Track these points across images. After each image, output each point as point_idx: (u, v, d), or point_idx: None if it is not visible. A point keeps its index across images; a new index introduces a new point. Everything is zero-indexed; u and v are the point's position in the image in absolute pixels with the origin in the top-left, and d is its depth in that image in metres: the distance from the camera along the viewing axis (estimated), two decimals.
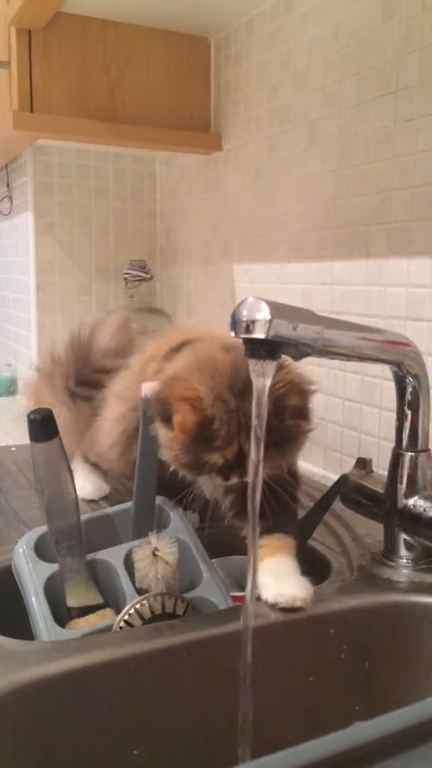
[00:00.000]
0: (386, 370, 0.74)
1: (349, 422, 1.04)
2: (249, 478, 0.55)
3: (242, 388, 0.62)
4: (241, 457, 0.64)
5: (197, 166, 1.46)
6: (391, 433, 0.75)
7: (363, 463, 0.82)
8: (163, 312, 1.56)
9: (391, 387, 0.74)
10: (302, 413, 0.65)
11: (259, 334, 0.50)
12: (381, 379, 0.97)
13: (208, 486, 0.72)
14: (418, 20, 0.87)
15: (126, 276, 1.53)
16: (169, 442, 0.67)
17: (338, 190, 1.04)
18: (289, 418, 0.63)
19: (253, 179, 1.26)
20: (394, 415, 0.74)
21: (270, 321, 0.50)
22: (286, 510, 0.74)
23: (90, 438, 0.90)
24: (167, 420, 0.65)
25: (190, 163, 1.49)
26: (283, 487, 0.73)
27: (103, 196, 1.61)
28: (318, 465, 1.09)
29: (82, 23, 1.24)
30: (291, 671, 0.65)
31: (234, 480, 0.66)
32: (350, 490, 0.81)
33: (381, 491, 0.76)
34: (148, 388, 0.75)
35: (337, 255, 1.05)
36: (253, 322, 0.51)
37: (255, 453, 0.53)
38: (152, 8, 1.23)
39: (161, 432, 0.68)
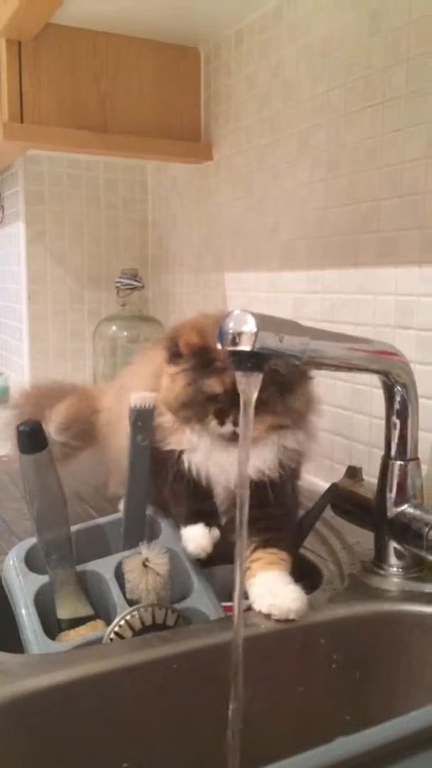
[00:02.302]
0: (376, 378, 0.74)
1: (339, 430, 1.04)
2: (237, 490, 0.55)
3: None
4: (238, 396, 0.63)
5: (188, 176, 1.46)
6: (382, 441, 0.76)
7: (353, 472, 0.83)
8: (155, 320, 1.56)
9: (381, 394, 0.75)
10: None
11: (245, 347, 0.51)
12: (371, 387, 0.97)
13: (206, 446, 0.71)
14: (404, 32, 0.88)
15: (118, 285, 1.53)
16: (172, 382, 0.71)
17: (327, 199, 1.04)
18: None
19: (243, 189, 1.26)
20: (383, 423, 0.75)
21: (256, 333, 0.51)
22: (282, 526, 0.74)
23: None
24: (175, 355, 0.71)
25: (181, 173, 1.49)
26: (281, 503, 0.73)
27: (94, 205, 1.61)
28: (308, 473, 1.09)
29: (72, 34, 1.24)
30: (281, 682, 0.65)
31: (229, 426, 0.67)
32: (340, 499, 0.81)
33: (371, 499, 0.77)
34: (137, 398, 0.76)
35: (327, 264, 1.05)
36: (240, 334, 0.51)
37: (243, 453, 0.53)
38: (142, 19, 1.24)
39: (166, 372, 0.72)
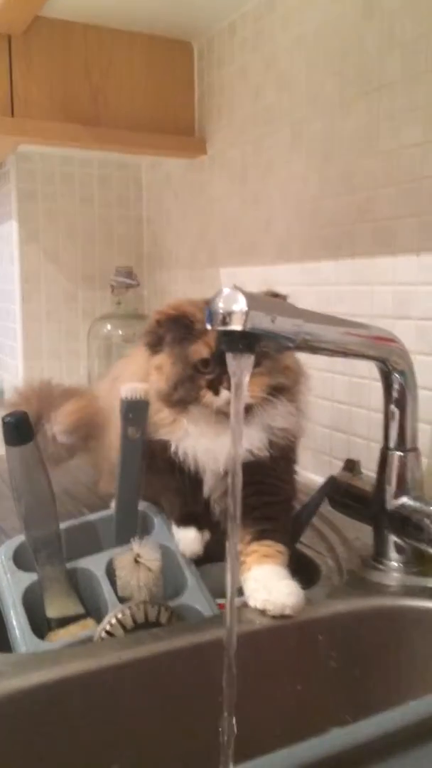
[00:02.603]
0: (374, 371, 0.72)
1: (337, 424, 1.02)
2: (229, 473, 0.52)
3: None
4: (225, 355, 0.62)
5: (182, 171, 1.45)
6: (381, 435, 0.73)
7: (351, 465, 0.80)
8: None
9: (380, 387, 0.72)
10: None
11: (236, 326, 0.49)
12: (369, 380, 0.95)
13: (197, 432, 0.69)
14: (399, 15, 0.86)
15: (112, 283, 1.51)
16: (159, 370, 0.70)
17: (323, 189, 1.02)
18: None
19: (238, 182, 1.24)
20: (382, 417, 0.73)
21: (247, 312, 0.49)
22: (278, 516, 0.71)
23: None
24: (155, 343, 0.71)
25: (175, 169, 1.48)
26: (277, 490, 0.71)
27: (88, 203, 1.59)
28: (307, 468, 1.07)
29: (62, 27, 1.23)
30: (278, 680, 0.63)
31: (225, 394, 0.65)
32: (338, 492, 0.79)
33: (370, 492, 0.74)
34: (127, 390, 0.73)
35: (323, 255, 1.03)
36: (230, 313, 0.49)
37: (235, 444, 0.51)
38: (133, 13, 1.22)
39: (152, 365, 0.71)
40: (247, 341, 0.49)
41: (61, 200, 1.56)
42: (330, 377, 1.03)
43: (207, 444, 0.69)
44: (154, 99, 1.32)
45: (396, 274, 0.90)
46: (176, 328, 0.69)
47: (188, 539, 0.73)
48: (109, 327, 1.52)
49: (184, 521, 0.74)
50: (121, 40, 1.28)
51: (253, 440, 0.68)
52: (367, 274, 0.95)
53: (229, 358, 0.50)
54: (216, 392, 0.66)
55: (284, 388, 0.69)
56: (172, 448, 0.70)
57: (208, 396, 0.67)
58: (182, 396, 0.68)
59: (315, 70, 1.02)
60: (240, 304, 0.48)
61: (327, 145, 1.01)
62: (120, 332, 1.52)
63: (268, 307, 0.51)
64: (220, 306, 0.49)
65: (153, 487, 0.77)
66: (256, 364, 0.63)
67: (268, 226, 1.16)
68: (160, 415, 0.71)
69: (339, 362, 1.01)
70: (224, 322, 0.49)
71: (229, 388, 0.64)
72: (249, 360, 0.50)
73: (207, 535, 0.74)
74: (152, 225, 1.61)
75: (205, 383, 0.67)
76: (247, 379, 0.50)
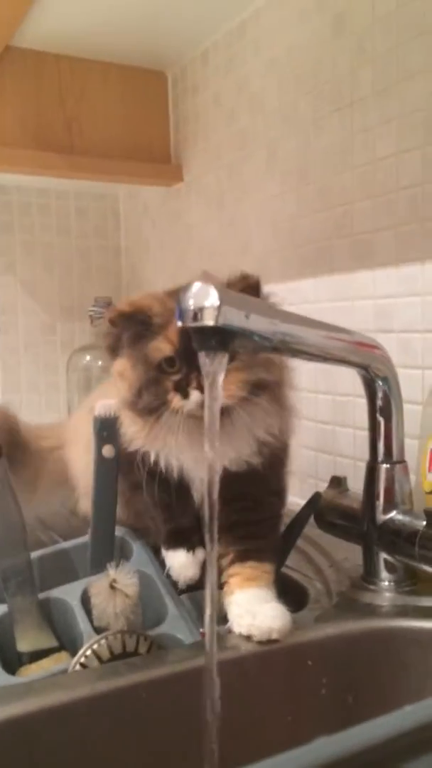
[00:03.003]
0: (358, 387, 0.69)
1: (322, 445, 0.99)
2: (206, 475, 0.49)
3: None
4: (189, 343, 0.54)
5: (159, 200, 1.44)
6: (367, 453, 0.70)
7: (337, 482, 0.77)
8: None
9: (363, 405, 0.70)
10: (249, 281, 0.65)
11: (208, 322, 0.46)
12: (353, 397, 0.93)
13: (176, 440, 0.61)
14: (369, 31, 0.87)
15: (91, 313, 1.49)
16: (122, 376, 0.63)
17: (299, 208, 1.01)
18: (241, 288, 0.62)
19: (215, 207, 1.24)
20: (367, 434, 0.70)
21: (219, 307, 0.46)
22: (265, 534, 0.67)
23: None
24: (114, 348, 0.64)
25: (152, 197, 1.47)
26: (264, 505, 0.67)
27: (65, 234, 1.58)
28: (292, 493, 1.03)
29: (35, 57, 1.23)
30: (266, 709, 0.58)
31: (196, 396, 0.57)
32: (325, 511, 0.75)
33: (357, 509, 0.71)
34: (100, 407, 0.70)
35: (302, 274, 1.02)
36: (201, 309, 0.46)
37: (209, 444, 0.48)
38: (106, 44, 1.23)
39: (117, 372, 0.64)
40: (221, 338, 0.46)
41: (38, 232, 1.55)
42: (313, 397, 1.00)
43: (189, 451, 0.62)
44: (129, 127, 1.32)
45: (376, 288, 0.88)
46: (132, 326, 0.61)
47: (179, 564, 0.67)
48: (88, 358, 1.49)
49: (174, 541, 0.68)
50: (94, 69, 1.28)
51: (238, 446, 0.62)
52: (347, 289, 0.93)
53: (202, 357, 0.47)
54: (185, 395, 0.59)
55: (266, 384, 0.61)
56: (152, 459, 0.64)
57: (176, 400, 0.59)
58: (148, 402, 0.61)
59: (287, 91, 1.02)
60: (212, 299, 0.46)
61: (302, 164, 1.00)
62: (100, 363, 1.48)
63: (241, 304, 0.48)
64: (191, 301, 0.46)
65: (134, 507, 0.73)
66: (231, 359, 0.56)
67: (246, 249, 1.15)
68: (133, 427, 0.65)
69: (321, 381, 0.99)
70: (195, 318, 0.46)
71: (199, 389, 0.57)
72: (223, 359, 0.47)
73: (201, 554, 0.67)
74: (130, 255, 1.60)
75: (171, 385, 0.59)
76: (221, 376, 0.47)
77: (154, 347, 0.60)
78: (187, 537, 0.68)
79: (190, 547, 0.67)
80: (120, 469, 0.70)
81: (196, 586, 0.69)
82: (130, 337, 0.62)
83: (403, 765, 0.22)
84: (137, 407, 0.62)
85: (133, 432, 0.65)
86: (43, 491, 0.88)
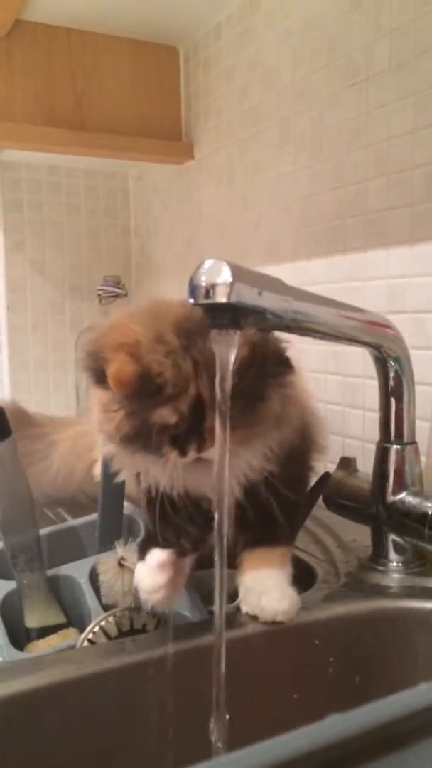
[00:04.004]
0: (368, 369, 0.69)
1: (332, 427, 0.98)
2: (216, 459, 0.48)
3: (196, 327, 0.49)
4: (200, 412, 0.49)
5: (170, 178, 1.42)
6: (376, 435, 0.70)
7: (347, 463, 0.77)
8: None
9: (374, 386, 0.69)
10: (284, 360, 0.53)
11: (220, 299, 0.45)
12: (363, 378, 0.92)
13: (167, 476, 0.53)
14: (386, 4, 0.85)
15: (100, 292, 1.48)
16: (106, 410, 0.52)
17: (312, 186, 1.00)
18: (273, 365, 0.52)
19: (226, 185, 1.22)
20: (378, 416, 0.69)
21: (232, 284, 0.45)
22: (281, 518, 0.65)
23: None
24: (101, 377, 0.51)
25: (162, 176, 1.46)
26: (279, 495, 0.65)
27: (75, 213, 1.57)
28: None
29: (46, 31, 1.21)
30: (272, 688, 0.58)
31: (193, 454, 0.50)
32: (334, 492, 0.75)
33: (367, 490, 0.71)
34: None
35: (314, 253, 1.00)
36: (213, 286, 0.45)
37: (221, 432, 0.47)
38: (117, 18, 1.21)
39: (96, 398, 0.53)
40: (233, 315, 0.46)
41: (48, 210, 1.54)
42: (322, 378, 0.99)
43: (192, 475, 0.54)
44: (140, 103, 1.30)
45: (389, 268, 0.87)
46: (139, 387, 0.50)
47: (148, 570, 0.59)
48: None
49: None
50: (105, 44, 1.26)
51: (242, 468, 0.56)
52: (359, 269, 0.92)
53: (214, 334, 0.46)
54: (183, 453, 0.51)
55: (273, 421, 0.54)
56: (143, 485, 0.58)
57: (172, 456, 0.51)
58: (138, 449, 0.52)
59: (302, 65, 1.00)
60: (224, 276, 0.45)
61: (315, 141, 0.99)
62: None
63: (254, 281, 0.47)
64: (203, 279, 0.46)
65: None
66: (233, 419, 0.47)
67: (257, 228, 1.14)
68: (111, 447, 0.56)
69: (331, 362, 0.98)
70: (207, 295, 0.45)
71: (198, 450, 0.51)
72: (235, 337, 0.46)
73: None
74: (140, 234, 1.59)
75: (168, 441, 0.51)
76: (233, 355, 0.46)
77: (160, 414, 0.50)
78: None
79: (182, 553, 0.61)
80: None
81: (203, 566, 0.69)
82: (134, 393, 0.50)
83: (417, 743, 0.22)
84: (120, 446, 0.54)
85: (118, 460, 0.58)
86: (53, 479, 0.88)
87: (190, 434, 0.50)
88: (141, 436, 0.51)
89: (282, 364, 0.52)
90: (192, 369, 0.48)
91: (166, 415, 0.50)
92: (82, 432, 0.92)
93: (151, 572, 0.58)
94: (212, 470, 0.49)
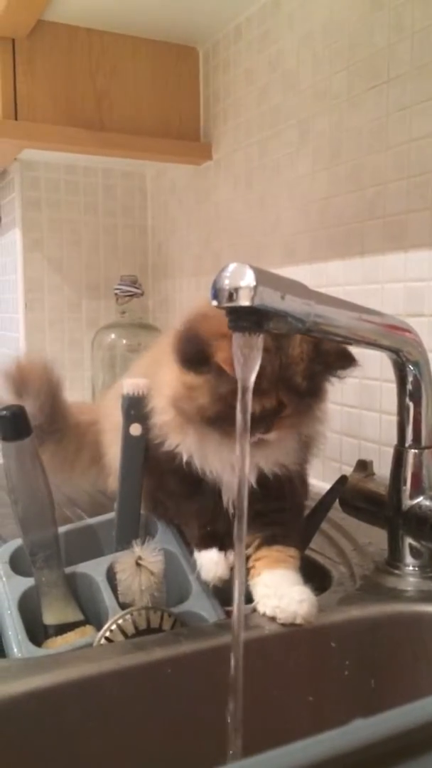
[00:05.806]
0: (386, 371, 0.69)
1: (348, 429, 0.99)
2: (237, 470, 0.49)
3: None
4: (278, 409, 0.57)
5: (187, 178, 1.43)
6: (393, 438, 0.70)
7: (363, 465, 0.77)
8: (155, 328, 1.51)
9: (391, 389, 0.69)
10: (347, 354, 0.59)
11: (244, 302, 0.45)
12: (380, 381, 0.92)
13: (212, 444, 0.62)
14: (408, 5, 0.84)
15: (117, 291, 1.49)
16: (192, 393, 0.59)
17: (331, 188, 1.00)
18: (335, 359, 0.59)
19: (243, 186, 1.22)
20: (395, 419, 0.69)
21: (255, 288, 0.46)
22: (290, 520, 0.67)
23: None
24: (198, 362, 0.56)
25: (180, 176, 1.46)
26: (289, 493, 0.67)
27: (92, 212, 1.58)
28: (316, 477, 1.03)
29: (67, 32, 1.22)
30: (288, 690, 0.59)
31: (255, 438, 0.58)
32: (350, 494, 0.75)
33: (383, 493, 0.71)
34: (129, 385, 0.70)
35: (331, 255, 1.00)
36: (237, 289, 0.46)
37: (241, 428, 0.47)
38: (137, 19, 1.21)
39: (183, 381, 0.59)
40: (256, 318, 0.46)
41: (66, 209, 1.55)
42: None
43: (226, 456, 0.62)
44: (159, 104, 1.31)
45: (407, 271, 0.87)
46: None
47: (210, 561, 0.66)
48: (113, 336, 1.49)
49: (206, 542, 0.67)
50: (125, 44, 1.27)
51: (286, 453, 0.64)
52: (377, 272, 0.92)
53: (237, 338, 0.47)
54: (267, 430, 0.60)
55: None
56: (184, 459, 0.64)
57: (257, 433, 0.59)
58: (214, 429, 0.61)
59: (322, 67, 1.00)
60: (248, 279, 0.45)
61: (335, 143, 0.99)
62: (124, 341, 1.49)
63: (277, 284, 0.48)
64: (227, 282, 0.46)
65: (152, 495, 0.73)
66: (297, 413, 0.59)
67: (275, 229, 1.14)
68: (164, 418, 0.65)
69: None
70: (231, 299, 0.46)
71: (265, 430, 0.59)
72: (258, 340, 0.47)
73: (231, 556, 0.65)
74: (157, 233, 1.59)
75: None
76: (258, 359, 0.47)
77: (258, 401, 0.56)
78: (220, 538, 0.67)
79: (222, 547, 0.66)
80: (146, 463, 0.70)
81: None
82: (224, 379, 0.56)
83: None
84: (201, 426, 0.61)
85: (164, 422, 0.64)
86: (81, 468, 0.88)
87: (260, 420, 0.58)
88: (218, 420, 0.58)
89: (345, 358, 0.59)
90: (278, 368, 0.56)
91: (265, 403, 0.57)
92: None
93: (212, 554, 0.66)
94: (269, 450, 0.61)
